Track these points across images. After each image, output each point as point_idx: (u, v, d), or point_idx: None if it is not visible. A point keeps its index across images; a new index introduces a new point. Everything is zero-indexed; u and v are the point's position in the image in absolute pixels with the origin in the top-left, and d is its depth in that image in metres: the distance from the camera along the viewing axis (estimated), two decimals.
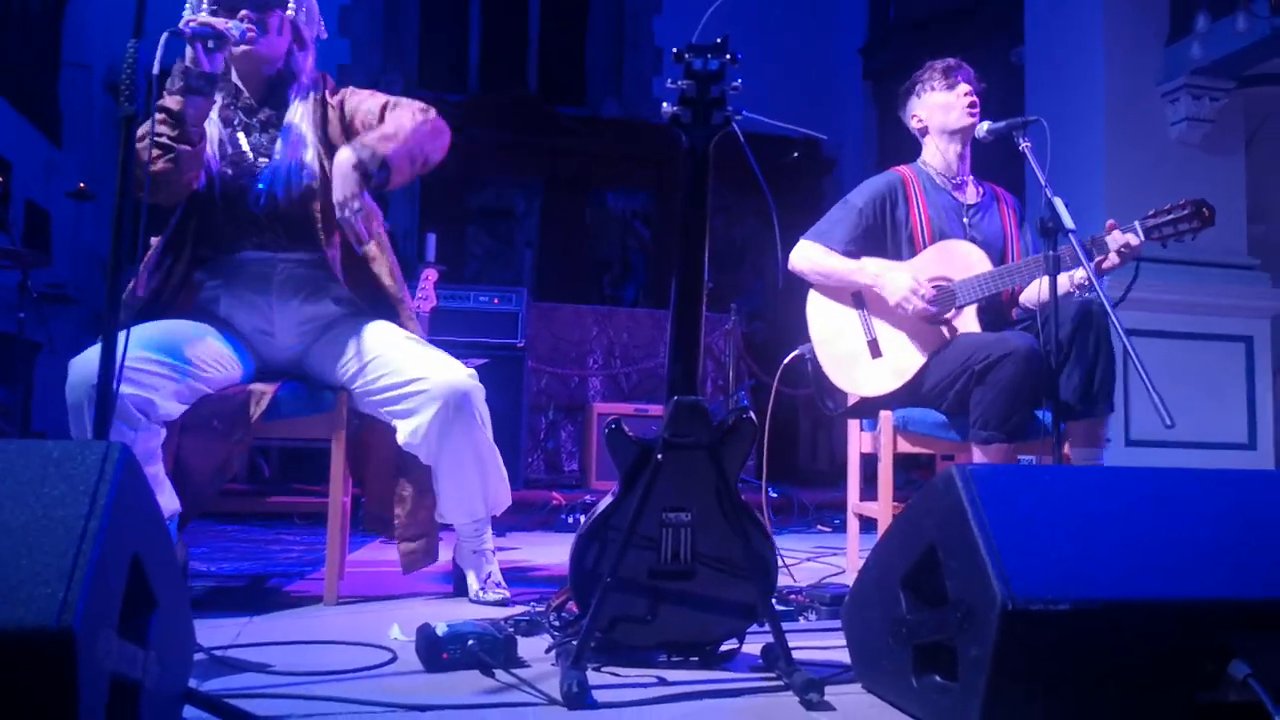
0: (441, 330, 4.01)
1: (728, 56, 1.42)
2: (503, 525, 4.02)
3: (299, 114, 2.21)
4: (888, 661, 1.45)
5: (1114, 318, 2.19)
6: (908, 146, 3.03)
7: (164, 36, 1.72)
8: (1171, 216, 2.50)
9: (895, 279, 2.68)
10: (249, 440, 2.23)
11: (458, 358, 2.25)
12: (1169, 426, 2.00)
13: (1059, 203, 2.30)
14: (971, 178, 2.91)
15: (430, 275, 4.11)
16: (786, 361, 2.92)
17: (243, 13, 2.06)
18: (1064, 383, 2.47)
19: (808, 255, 2.81)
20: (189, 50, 1.97)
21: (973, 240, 2.78)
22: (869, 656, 1.53)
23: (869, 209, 2.80)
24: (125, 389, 1.85)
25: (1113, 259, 2.52)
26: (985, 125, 2.69)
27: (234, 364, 2.20)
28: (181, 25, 1.93)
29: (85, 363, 1.97)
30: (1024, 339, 2.49)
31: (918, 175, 2.88)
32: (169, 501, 2.04)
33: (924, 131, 2.91)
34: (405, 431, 2.16)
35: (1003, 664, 1.21)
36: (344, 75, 7.52)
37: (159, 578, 1.16)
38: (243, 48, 2.06)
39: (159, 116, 1.97)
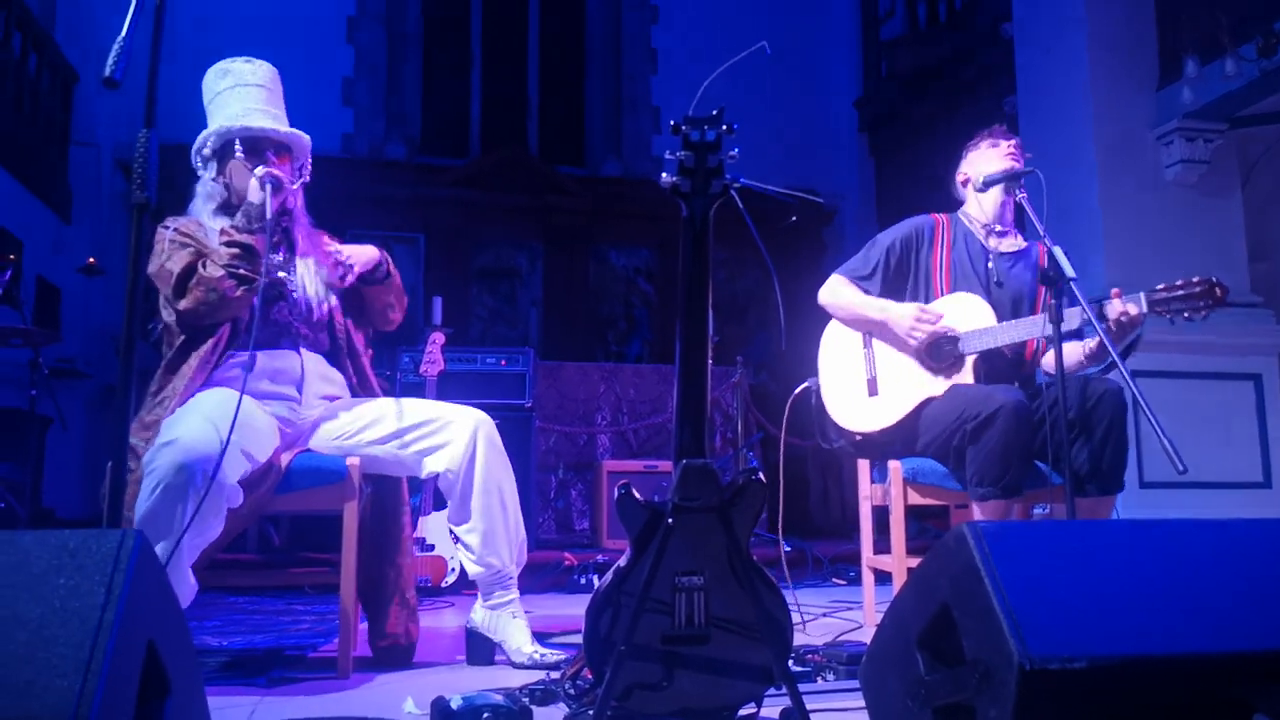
0: (449, 393, 4.02)
1: (724, 127, 1.45)
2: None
3: (301, 245, 2.44)
4: None
5: (1120, 362, 2.20)
6: (906, 195, 3.11)
7: (255, 185, 2.27)
8: (1183, 293, 2.46)
9: (901, 310, 2.75)
10: (256, 514, 2.25)
11: None
12: (1182, 473, 2.00)
13: (1059, 251, 2.32)
14: (1015, 231, 2.94)
15: (437, 339, 4.14)
16: (796, 394, 2.96)
17: (276, 169, 2.31)
18: (1074, 457, 2.47)
19: (833, 289, 2.90)
20: (260, 194, 2.26)
21: (996, 286, 2.80)
22: (889, 718, 1.52)
23: (896, 246, 2.88)
24: (225, 474, 1.97)
25: (1110, 327, 2.50)
26: (981, 177, 2.73)
27: (274, 439, 2.26)
28: (264, 176, 2.27)
29: (198, 443, 1.97)
30: (1011, 394, 2.50)
31: (952, 222, 2.93)
32: (193, 583, 2.07)
33: (964, 183, 2.95)
34: (439, 464, 2.26)
35: None
36: (348, 143, 7.66)
37: (173, 661, 1.16)
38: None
39: (234, 251, 2.24)
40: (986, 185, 2.66)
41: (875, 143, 7.95)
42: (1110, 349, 2.20)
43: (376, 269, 2.47)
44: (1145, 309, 2.51)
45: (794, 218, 2.30)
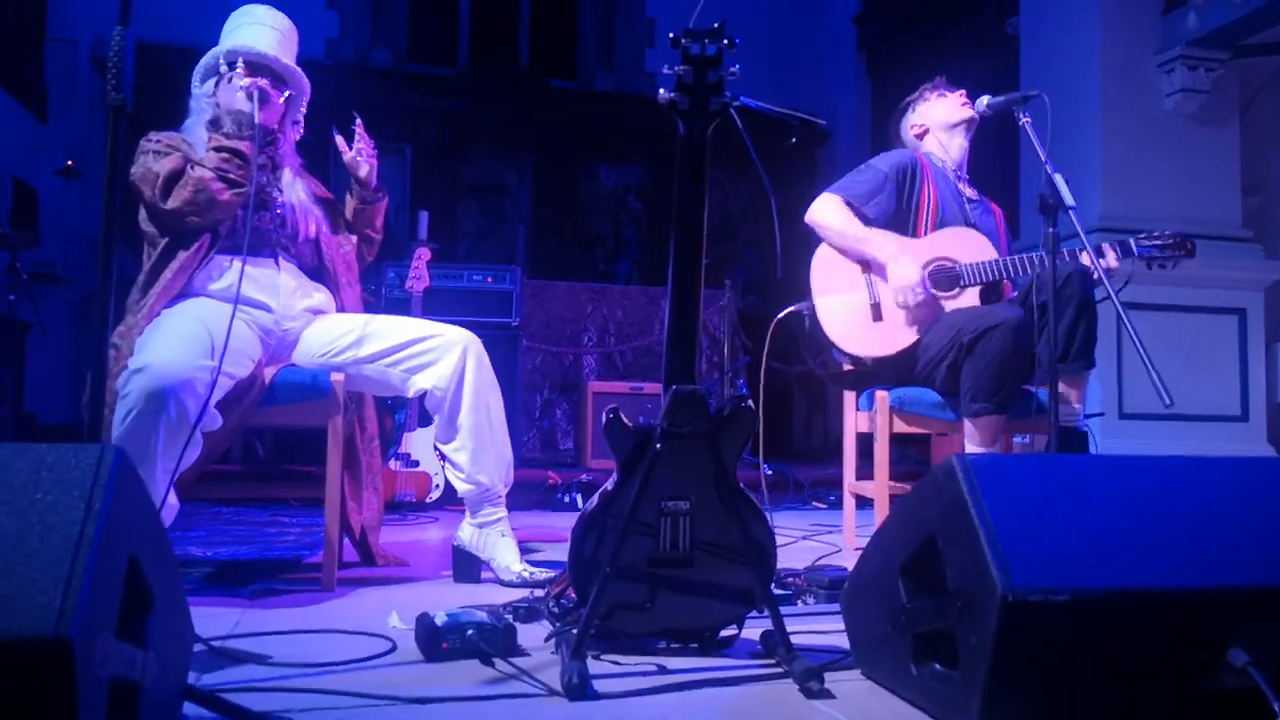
0: (435, 310, 3.98)
1: (725, 41, 1.40)
2: None
3: (289, 174, 2.47)
4: (887, 649, 1.46)
5: (1111, 290, 2.20)
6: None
7: (241, 96, 2.29)
8: (1158, 243, 2.67)
9: (903, 269, 2.70)
10: (240, 428, 2.24)
11: None
12: (1168, 406, 2.01)
13: (1059, 179, 2.29)
14: (968, 179, 3.00)
15: (423, 254, 4.09)
16: (781, 316, 2.89)
17: (264, 80, 2.34)
18: (1045, 340, 2.51)
19: (828, 209, 2.83)
20: (248, 104, 2.28)
21: (973, 227, 2.83)
22: (868, 643, 1.54)
23: (895, 175, 2.85)
24: (199, 400, 1.96)
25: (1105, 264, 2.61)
26: (985, 100, 2.68)
27: (256, 351, 2.25)
28: (249, 87, 2.29)
29: (170, 369, 1.95)
30: (1013, 311, 2.53)
31: (929, 161, 2.94)
32: (174, 504, 2.08)
33: (923, 134, 3.00)
34: (427, 381, 2.26)
35: (1002, 653, 1.21)
36: (332, 48, 7.45)
37: (156, 575, 1.15)
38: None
39: (224, 156, 2.25)
40: (991, 108, 2.61)
41: (873, 62, 7.79)
42: (1109, 288, 2.18)
43: (377, 189, 2.57)
44: (1136, 253, 2.65)
45: (794, 139, 2.24)
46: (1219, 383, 4.91)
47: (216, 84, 2.39)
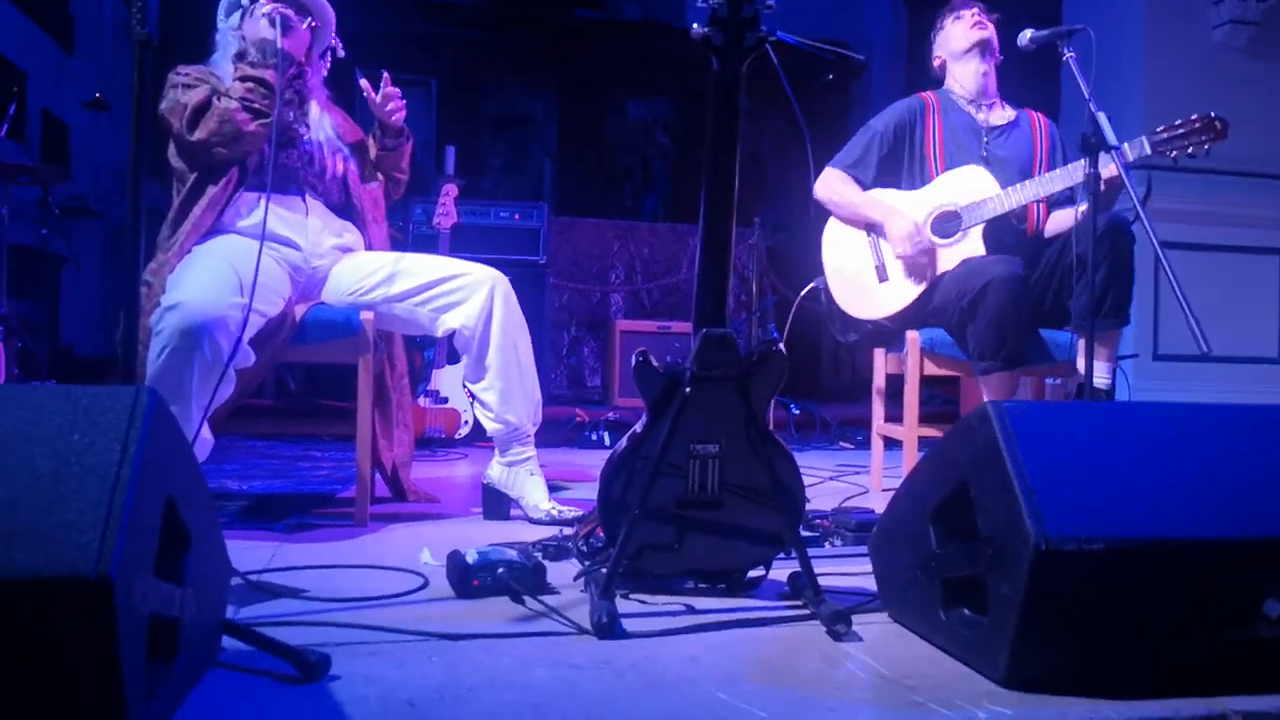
0: (462, 247, 3.98)
1: None
2: None
3: (317, 109, 2.45)
4: (915, 594, 1.46)
5: (1150, 231, 2.12)
6: None
7: (264, 21, 2.27)
8: (1183, 130, 2.48)
9: (898, 223, 2.70)
10: (271, 364, 2.26)
11: None
12: (1206, 353, 1.97)
13: (1102, 118, 2.23)
14: (1000, 100, 2.91)
15: (450, 190, 4.06)
16: (802, 295, 2.96)
17: (274, 6, 2.29)
18: (1078, 294, 2.46)
19: (830, 184, 2.86)
20: (271, 30, 2.25)
21: (987, 160, 2.78)
22: (896, 587, 1.54)
23: (888, 132, 2.85)
24: (232, 339, 1.97)
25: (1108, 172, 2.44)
26: (1029, 33, 2.59)
27: (286, 289, 2.26)
28: (269, 11, 2.26)
29: (205, 306, 1.96)
30: (1006, 265, 2.49)
31: (939, 99, 2.90)
32: (209, 439, 2.11)
33: (943, 65, 2.94)
34: (455, 321, 2.27)
35: (1033, 602, 1.20)
36: None
37: (192, 514, 1.16)
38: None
39: (248, 85, 2.24)
40: (1035, 43, 2.52)
41: None
42: (1145, 221, 2.11)
43: (402, 132, 2.54)
44: (1149, 150, 2.48)
45: (830, 75, 2.18)
46: (1256, 324, 4.83)
47: (242, 16, 2.36)
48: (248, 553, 1.88)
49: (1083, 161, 2.32)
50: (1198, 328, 1.98)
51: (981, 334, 2.49)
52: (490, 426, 2.33)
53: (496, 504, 2.36)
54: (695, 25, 1.39)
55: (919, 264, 2.70)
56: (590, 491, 2.75)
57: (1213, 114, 2.47)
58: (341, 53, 2.50)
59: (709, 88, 1.45)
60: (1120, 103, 4.68)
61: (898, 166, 2.84)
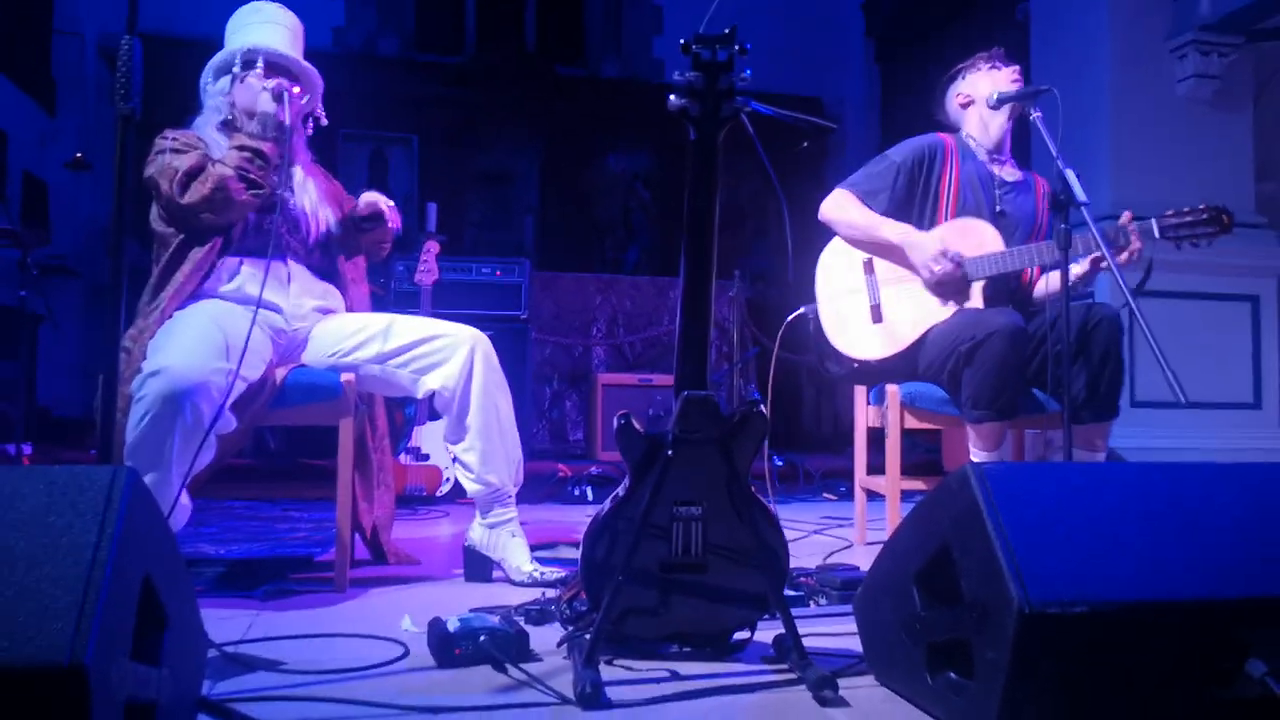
0: (444, 303, 3.99)
1: (736, 47, 1.38)
2: None
3: (301, 173, 2.45)
4: (901, 657, 1.45)
5: (1134, 306, 2.14)
6: (911, 103, 3.02)
7: (267, 96, 2.30)
8: (1190, 219, 2.50)
9: (922, 243, 2.66)
10: (251, 428, 2.25)
11: None
12: (1184, 404, 1.99)
13: (1071, 175, 2.27)
14: (1012, 160, 2.89)
15: (432, 247, 4.08)
16: (790, 320, 2.91)
17: (279, 81, 2.34)
18: (1070, 382, 2.46)
19: (838, 203, 2.80)
20: (273, 104, 2.29)
21: (1001, 214, 2.77)
22: (882, 650, 1.53)
23: (907, 165, 2.78)
24: (215, 405, 1.96)
25: (1124, 257, 2.50)
26: (996, 94, 2.65)
27: (267, 352, 2.25)
28: (274, 86, 2.30)
29: (187, 372, 1.95)
30: (1008, 316, 2.48)
31: (957, 144, 2.86)
32: (187, 504, 2.09)
33: (968, 104, 2.87)
34: (435, 382, 2.26)
35: (1020, 666, 1.20)
36: (339, 37, 7.42)
37: (169, 592, 1.15)
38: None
39: (245, 155, 2.26)
40: (1000, 102, 2.58)
41: (882, 48, 7.74)
42: (1120, 281, 2.14)
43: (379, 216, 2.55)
44: (1157, 235, 2.50)
45: (805, 144, 2.22)
46: (1232, 370, 4.88)
47: (231, 82, 2.37)
48: (225, 622, 1.85)
49: (1093, 237, 2.32)
50: (1175, 379, 2.00)
51: (979, 382, 2.48)
52: (471, 488, 2.32)
53: (478, 566, 2.34)
54: (672, 97, 1.42)
55: (921, 307, 2.66)
56: (573, 550, 2.74)
57: (1221, 206, 2.51)
58: (325, 121, 2.53)
59: (686, 158, 1.47)
60: (1089, 154, 4.77)
61: (909, 205, 2.79)
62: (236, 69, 2.35)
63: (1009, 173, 2.86)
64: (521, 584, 2.24)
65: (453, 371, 2.24)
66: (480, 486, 2.29)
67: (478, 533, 2.34)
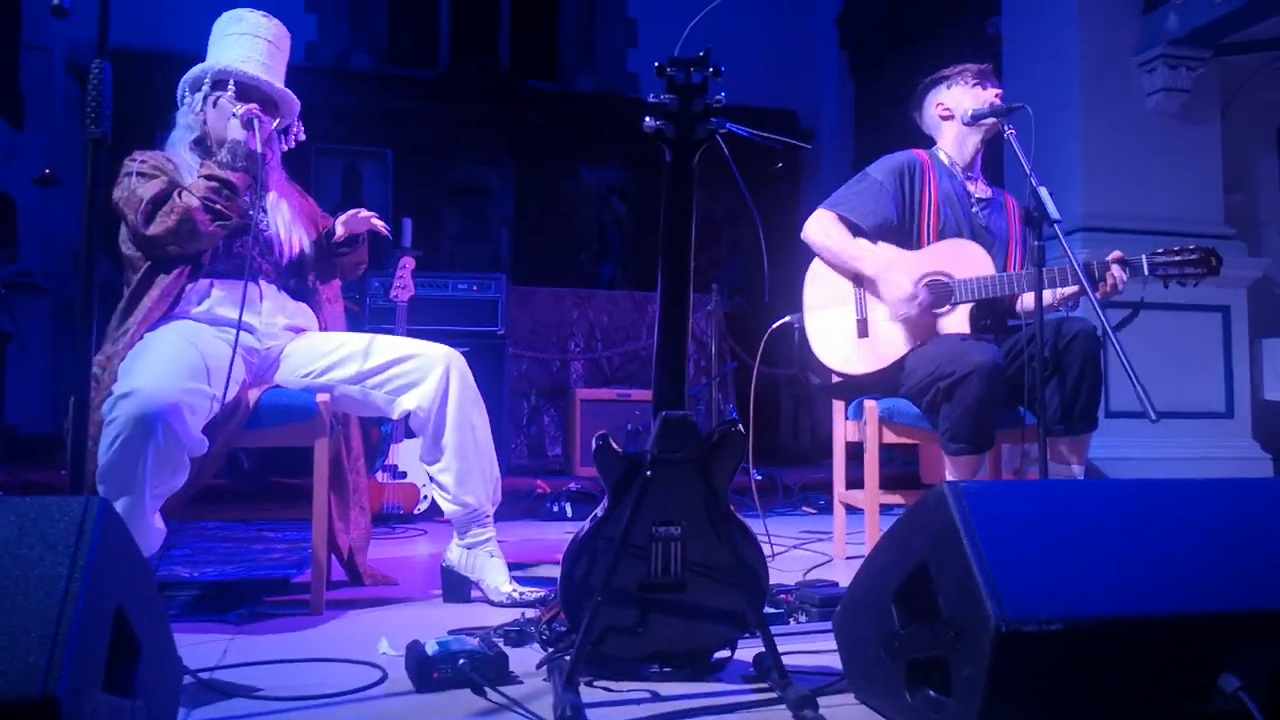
0: (420, 319, 3.98)
1: (711, 70, 1.39)
2: None
3: (274, 196, 2.42)
4: (880, 674, 1.46)
5: (1113, 339, 2.15)
6: (885, 114, 3.01)
7: (237, 124, 2.26)
8: (1179, 259, 2.53)
9: (896, 281, 2.65)
10: (225, 450, 2.22)
11: None
12: (1154, 421, 2.01)
13: (1044, 192, 2.29)
14: (981, 176, 2.90)
15: (408, 263, 4.06)
16: (774, 328, 2.89)
17: (249, 107, 2.29)
18: (1047, 398, 2.48)
19: (823, 228, 2.78)
20: (243, 132, 2.25)
21: (983, 229, 2.78)
22: (861, 667, 1.54)
23: (890, 182, 2.77)
24: (187, 426, 1.95)
25: (1105, 289, 2.52)
26: (969, 111, 2.68)
27: (240, 372, 2.22)
28: (245, 114, 2.26)
29: (158, 393, 1.92)
30: (987, 353, 2.47)
31: (932, 160, 2.85)
32: (161, 526, 2.06)
33: (947, 117, 2.87)
34: (411, 402, 2.23)
35: (997, 683, 1.21)
36: (311, 52, 7.39)
37: (142, 621, 1.13)
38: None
39: (213, 185, 2.21)
40: (975, 119, 2.61)
41: (855, 61, 7.79)
42: (1100, 316, 2.15)
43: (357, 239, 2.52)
44: (1147, 272, 2.53)
45: (780, 164, 2.22)
46: (1204, 380, 4.94)
47: (204, 101, 2.33)
48: (199, 648, 1.83)
49: (1070, 261, 2.31)
50: (1146, 397, 2.02)
51: (957, 419, 2.49)
52: (447, 508, 2.30)
53: (457, 587, 2.32)
54: (648, 119, 1.42)
55: (912, 326, 2.66)
56: (552, 568, 2.72)
57: (1211, 249, 2.54)
58: (302, 136, 2.50)
59: (662, 179, 1.48)
60: (1060, 167, 4.83)
61: (894, 220, 2.76)
62: (205, 89, 2.32)
63: (980, 189, 2.88)
64: (501, 604, 2.23)
65: (428, 391, 2.23)
66: (457, 507, 2.28)
67: (455, 553, 2.32)
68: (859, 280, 2.76)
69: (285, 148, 2.50)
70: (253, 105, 2.28)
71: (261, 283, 2.35)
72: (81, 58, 6.77)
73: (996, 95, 2.80)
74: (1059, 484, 1.87)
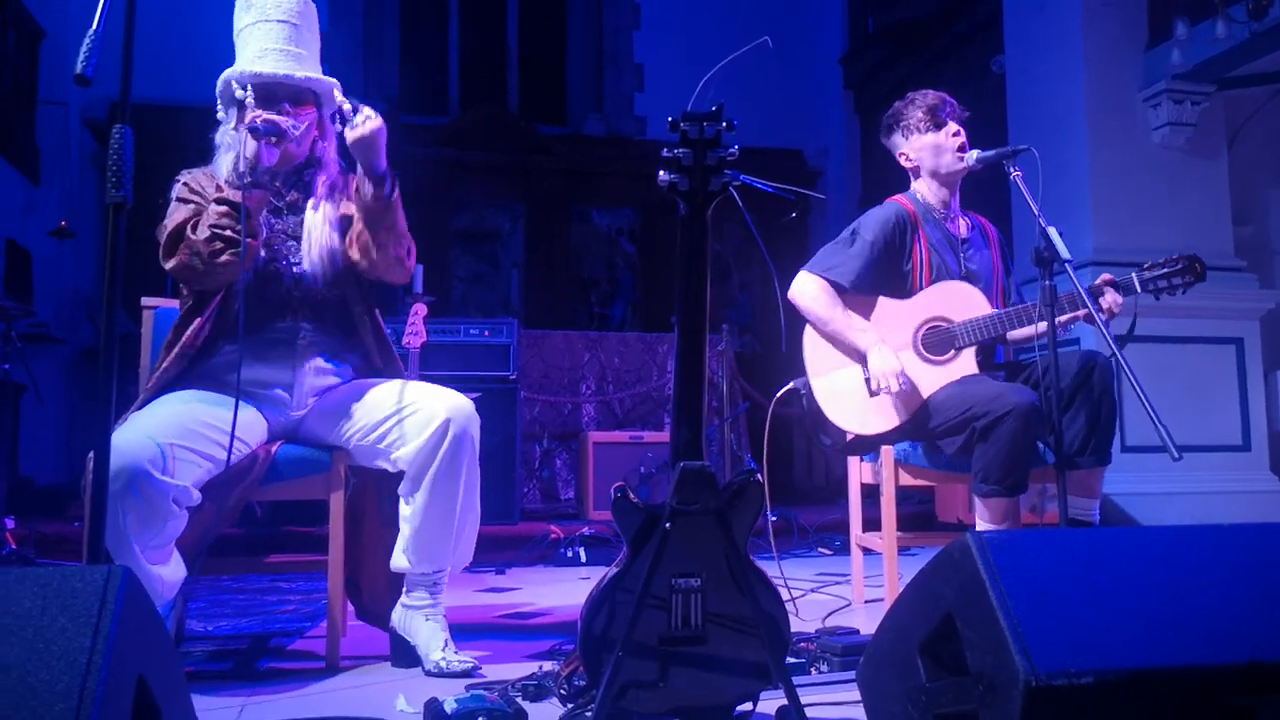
0: (432, 365, 3.98)
1: (724, 124, 1.40)
2: (501, 561, 3.99)
3: (323, 202, 2.25)
4: None
5: (1121, 360, 2.15)
6: (890, 155, 2.97)
7: (244, 135, 2.02)
8: (1165, 270, 2.54)
9: (882, 358, 2.61)
10: (243, 502, 2.21)
11: None
12: (1177, 460, 1.99)
13: (1054, 232, 2.29)
14: (959, 212, 2.88)
15: (420, 309, 4.07)
16: (780, 395, 2.85)
17: (284, 106, 2.12)
18: (1064, 429, 2.45)
19: (811, 294, 2.73)
20: (252, 145, 2.06)
21: (970, 273, 2.77)
22: None
23: (880, 243, 2.73)
24: (164, 478, 1.88)
25: (1106, 313, 2.52)
26: (975, 154, 2.68)
27: (262, 431, 2.19)
28: (249, 122, 2.05)
29: (130, 448, 1.86)
30: (1024, 395, 2.44)
31: (917, 208, 2.82)
32: (178, 571, 2.02)
33: (915, 172, 2.87)
34: (403, 459, 2.10)
35: None
36: None
37: (163, 690, 1.13)
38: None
39: (222, 210, 2.05)
40: (982, 163, 2.61)
41: (860, 100, 7.86)
42: (1107, 338, 2.16)
43: (385, 175, 2.24)
44: (1139, 289, 2.53)
45: (794, 214, 2.23)
46: (1219, 413, 4.91)
47: (238, 112, 2.18)
48: (214, 712, 1.81)
49: (1076, 291, 2.32)
50: (1167, 435, 2.00)
51: (991, 460, 2.44)
52: (397, 559, 2.17)
53: (402, 651, 2.18)
54: (661, 173, 1.43)
55: (916, 375, 2.63)
56: (566, 615, 2.70)
57: (1194, 255, 2.55)
58: (355, 112, 2.18)
59: (677, 231, 1.49)
60: (1069, 204, 4.84)
61: (884, 277, 2.74)
62: (238, 93, 2.15)
63: (962, 227, 2.85)
64: (429, 674, 2.08)
65: (420, 444, 2.09)
66: (405, 563, 2.15)
67: (398, 613, 2.19)
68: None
69: (339, 129, 2.24)
70: (258, 113, 2.10)
71: (300, 344, 2.22)
72: (97, 111, 6.88)
73: (955, 133, 2.76)
74: (1084, 533, 1.85)
